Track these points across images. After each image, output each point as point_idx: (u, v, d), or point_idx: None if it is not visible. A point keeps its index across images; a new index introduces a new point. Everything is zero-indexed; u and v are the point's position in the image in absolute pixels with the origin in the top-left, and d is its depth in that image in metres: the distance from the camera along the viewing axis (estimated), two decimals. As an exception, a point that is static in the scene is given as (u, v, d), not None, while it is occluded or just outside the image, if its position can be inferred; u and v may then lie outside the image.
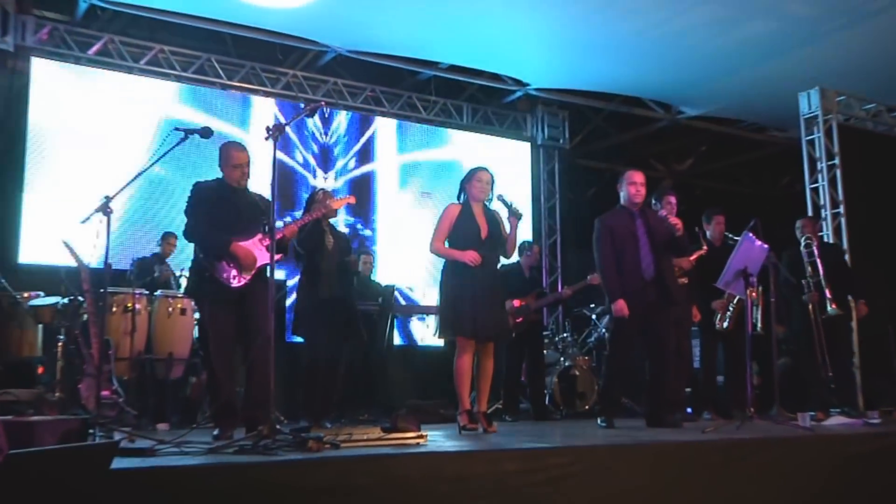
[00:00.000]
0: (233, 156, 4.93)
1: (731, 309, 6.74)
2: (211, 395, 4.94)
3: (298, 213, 7.31)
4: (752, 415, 5.29)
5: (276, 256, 4.90)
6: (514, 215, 5.25)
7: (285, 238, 5.01)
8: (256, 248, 4.83)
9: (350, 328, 6.23)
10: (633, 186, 5.65)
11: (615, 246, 5.59)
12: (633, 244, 5.56)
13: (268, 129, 4.28)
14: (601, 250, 5.65)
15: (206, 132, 4.60)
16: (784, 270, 6.67)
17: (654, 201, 6.36)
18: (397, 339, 9.20)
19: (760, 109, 10.63)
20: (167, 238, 7.31)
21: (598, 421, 5.51)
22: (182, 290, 6.95)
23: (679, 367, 6.42)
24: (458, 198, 5.44)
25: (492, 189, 5.38)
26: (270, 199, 4.38)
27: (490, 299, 5.21)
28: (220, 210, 4.84)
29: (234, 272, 4.77)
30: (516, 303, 7.53)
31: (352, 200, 5.99)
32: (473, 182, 5.37)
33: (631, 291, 5.49)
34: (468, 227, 5.28)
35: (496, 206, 5.41)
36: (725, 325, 6.74)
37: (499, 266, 5.48)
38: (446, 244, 5.31)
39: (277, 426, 3.87)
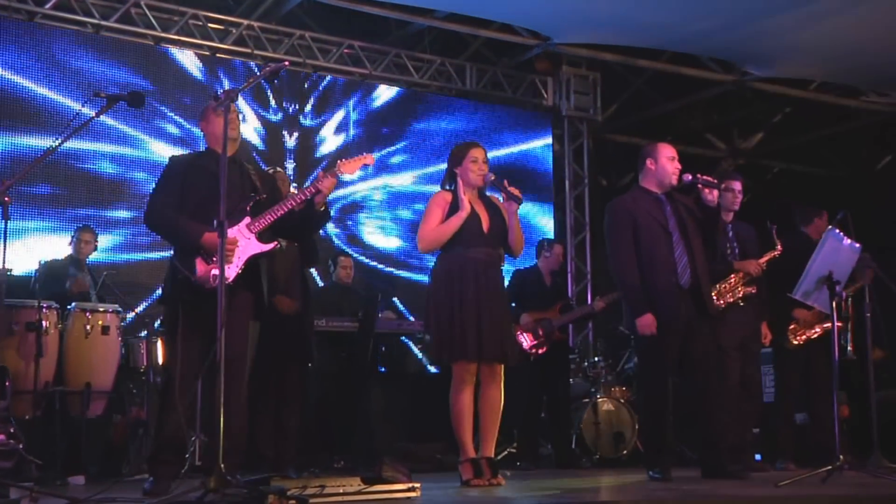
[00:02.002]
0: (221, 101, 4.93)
1: (817, 327, 6.78)
2: (157, 425, 4.92)
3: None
4: (842, 464, 5.30)
5: (270, 245, 4.87)
6: (513, 199, 5.26)
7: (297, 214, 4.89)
8: (242, 237, 4.75)
9: (300, 351, 6.24)
10: (671, 162, 5.61)
11: (642, 241, 5.53)
12: (666, 239, 5.53)
13: (217, 95, 4.31)
14: (620, 245, 5.56)
15: (135, 98, 4.62)
16: (885, 277, 6.67)
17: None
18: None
19: (854, 67, 10.62)
20: (82, 234, 7.32)
21: (650, 473, 5.52)
22: (97, 299, 6.97)
23: (744, 402, 6.46)
24: (445, 185, 5.46)
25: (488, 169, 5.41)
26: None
27: (495, 310, 5.24)
28: (198, 186, 4.79)
29: (214, 270, 4.64)
30: (533, 318, 7.55)
31: (370, 161, 5.19)
32: (466, 164, 5.37)
33: (667, 303, 5.47)
34: (465, 221, 5.29)
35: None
36: (796, 339, 6.78)
37: (504, 267, 5.50)
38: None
39: (228, 477, 3.89)
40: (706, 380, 5.56)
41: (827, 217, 6.97)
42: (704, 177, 5.60)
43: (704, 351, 5.56)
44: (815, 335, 6.81)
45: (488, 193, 5.45)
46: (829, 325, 6.62)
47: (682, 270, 5.51)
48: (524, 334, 7.44)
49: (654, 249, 5.51)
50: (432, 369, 9.17)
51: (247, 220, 4.79)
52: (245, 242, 4.76)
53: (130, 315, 7.19)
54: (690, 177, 5.59)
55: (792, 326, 6.82)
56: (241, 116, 5.03)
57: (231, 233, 4.65)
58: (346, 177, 5.18)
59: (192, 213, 4.76)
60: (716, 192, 5.57)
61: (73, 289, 6.97)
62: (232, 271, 4.69)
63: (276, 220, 4.82)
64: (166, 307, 4.93)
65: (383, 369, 8.58)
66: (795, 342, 6.82)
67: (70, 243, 7.37)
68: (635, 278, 5.50)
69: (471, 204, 5.33)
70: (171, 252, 4.84)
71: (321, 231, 7.88)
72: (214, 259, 4.62)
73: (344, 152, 10.03)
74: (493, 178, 5.35)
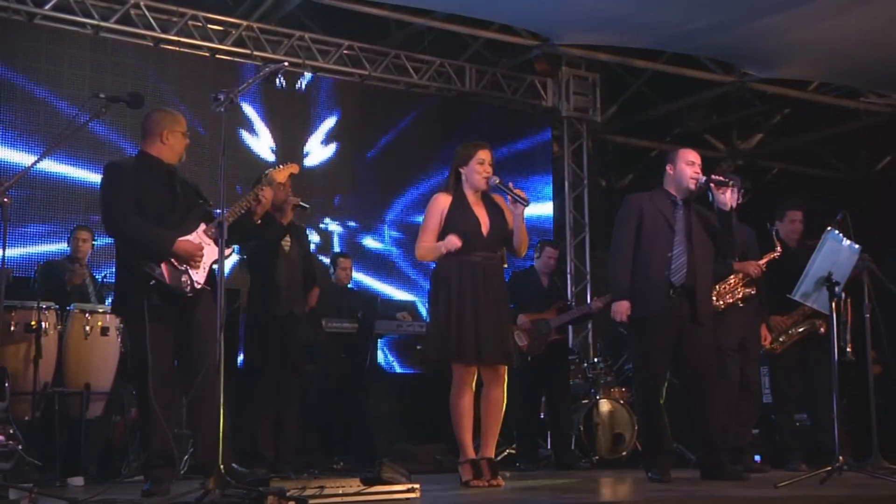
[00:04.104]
0: (181, 121, 5.01)
1: (791, 332, 6.80)
2: (142, 437, 4.95)
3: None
4: (841, 464, 5.30)
5: (227, 252, 4.94)
6: (519, 202, 5.27)
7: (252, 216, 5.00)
8: (204, 242, 4.86)
9: (309, 354, 6.27)
10: (691, 167, 5.65)
11: (643, 234, 5.61)
12: (666, 238, 5.58)
13: (216, 96, 4.31)
14: (621, 234, 5.68)
15: (135, 100, 4.65)
16: (883, 277, 6.68)
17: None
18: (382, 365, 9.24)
19: (854, 67, 10.62)
20: (78, 233, 7.32)
21: (649, 474, 5.54)
22: (96, 299, 6.97)
23: (743, 403, 6.47)
24: (448, 185, 5.45)
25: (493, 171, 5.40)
26: (218, 183, 4.44)
27: (494, 312, 5.24)
28: (152, 195, 4.85)
29: (184, 277, 4.78)
30: (530, 319, 7.55)
31: (294, 169, 5.57)
32: (473, 165, 5.36)
33: (656, 296, 5.51)
34: (464, 223, 5.30)
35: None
36: (772, 345, 6.81)
37: (504, 268, 5.51)
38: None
39: (228, 478, 3.90)
40: (705, 380, 5.57)
41: (803, 213, 7.02)
42: (716, 176, 5.62)
43: (703, 351, 5.56)
44: (791, 339, 6.82)
45: (493, 194, 5.45)
46: (801, 328, 6.69)
47: (676, 267, 5.54)
48: (520, 335, 7.45)
49: (653, 243, 5.58)
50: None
51: (203, 226, 4.89)
52: (206, 248, 4.87)
53: None
54: (703, 178, 5.62)
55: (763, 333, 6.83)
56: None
57: (194, 239, 4.83)
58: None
59: (151, 221, 4.81)
60: (728, 193, 5.56)
61: (74, 280, 6.99)
62: (200, 276, 4.83)
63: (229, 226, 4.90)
64: (132, 315, 4.89)
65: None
66: (766, 344, 6.82)
67: (67, 243, 7.38)
68: (624, 266, 5.62)
69: (470, 206, 5.33)
70: (130, 257, 4.82)
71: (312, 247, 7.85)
72: (184, 266, 4.78)
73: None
74: (497, 180, 5.34)
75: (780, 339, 6.81)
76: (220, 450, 4.02)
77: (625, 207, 5.73)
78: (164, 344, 4.79)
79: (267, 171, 5.31)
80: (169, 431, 4.71)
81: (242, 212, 4.96)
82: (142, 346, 4.75)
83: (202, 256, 4.84)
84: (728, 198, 5.57)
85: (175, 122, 5.01)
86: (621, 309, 5.56)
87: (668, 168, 5.73)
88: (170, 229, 4.82)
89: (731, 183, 5.58)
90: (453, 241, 5.18)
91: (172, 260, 4.77)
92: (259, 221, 5.10)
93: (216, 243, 4.85)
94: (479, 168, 5.34)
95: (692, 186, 5.63)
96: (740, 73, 11.03)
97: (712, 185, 5.58)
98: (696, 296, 5.54)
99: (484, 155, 5.36)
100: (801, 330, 6.79)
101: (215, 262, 4.85)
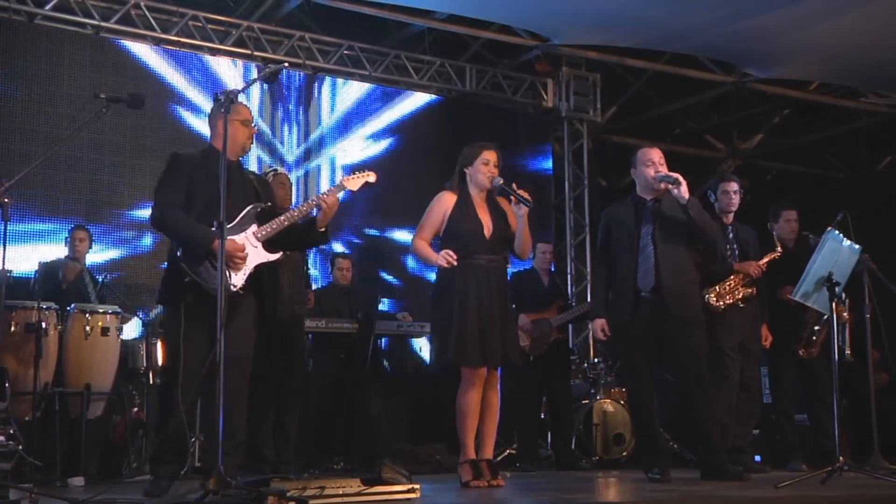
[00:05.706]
0: (240, 110, 4.88)
1: (817, 329, 6.81)
2: (158, 430, 4.94)
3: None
4: (842, 465, 5.30)
5: (275, 255, 4.88)
6: (523, 203, 5.25)
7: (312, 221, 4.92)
8: (249, 244, 4.77)
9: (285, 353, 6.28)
10: (650, 167, 5.61)
11: (613, 248, 5.68)
12: (629, 245, 5.59)
13: (217, 96, 4.32)
14: (597, 254, 5.92)
15: (135, 100, 4.65)
16: (883, 278, 6.69)
17: (708, 192, 6.39)
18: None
19: (854, 67, 10.62)
20: (76, 233, 7.32)
21: (648, 474, 5.55)
22: (97, 300, 6.98)
23: (744, 403, 6.47)
24: (453, 184, 5.43)
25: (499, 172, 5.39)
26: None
27: (499, 314, 5.25)
28: (203, 189, 4.76)
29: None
30: (531, 318, 7.56)
31: (371, 178, 5.17)
32: (478, 165, 5.35)
33: (620, 308, 5.57)
34: (467, 225, 5.29)
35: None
36: (807, 348, 6.82)
37: (508, 270, 5.51)
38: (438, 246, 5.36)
39: (228, 478, 3.90)
40: (695, 381, 5.55)
41: (797, 212, 7.07)
42: (662, 174, 5.57)
43: (686, 354, 5.55)
44: (819, 330, 6.84)
45: (497, 197, 5.43)
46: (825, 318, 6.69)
47: (642, 276, 5.54)
48: (522, 335, 7.44)
49: (619, 256, 5.65)
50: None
51: (253, 227, 4.81)
52: (252, 250, 4.78)
53: (139, 318, 7.14)
54: (661, 175, 5.58)
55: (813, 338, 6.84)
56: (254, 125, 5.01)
57: (239, 239, 4.73)
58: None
59: (199, 215, 4.75)
60: (683, 188, 5.49)
61: (67, 275, 6.99)
62: (241, 279, 4.74)
63: (281, 231, 4.85)
64: (167, 309, 4.92)
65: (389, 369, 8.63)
66: (808, 352, 6.85)
67: (65, 244, 7.38)
68: (600, 286, 5.84)
69: (474, 208, 5.32)
70: (176, 253, 4.79)
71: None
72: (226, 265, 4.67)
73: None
74: (501, 181, 5.32)
75: (814, 340, 6.84)
76: (220, 448, 4.02)
77: (599, 226, 5.86)
78: (196, 343, 4.68)
79: (339, 179, 5.14)
80: (188, 430, 4.70)
81: (299, 217, 4.88)
82: (175, 341, 4.72)
83: (243, 258, 4.73)
84: (683, 191, 5.48)
85: (236, 112, 4.83)
86: (595, 327, 5.72)
87: (632, 172, 5.74)
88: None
89: (673, 180, 5.51)
90: (447, 258, 5.15)
91: (210, 259, 4.67)
92: (323, 229, 4.96)
93: (265, 247, 4.82)
94: (484, 168, 5.32)
95: (655, 186, 5.60)
96: (740, 73, 11.04)
97: (664, 183, 5.55)
98: (665, 295, 5.48)
99: (489, 155, 5.35)
100: (824, 322, 6.79)
101: (262, 263, 4.81)
